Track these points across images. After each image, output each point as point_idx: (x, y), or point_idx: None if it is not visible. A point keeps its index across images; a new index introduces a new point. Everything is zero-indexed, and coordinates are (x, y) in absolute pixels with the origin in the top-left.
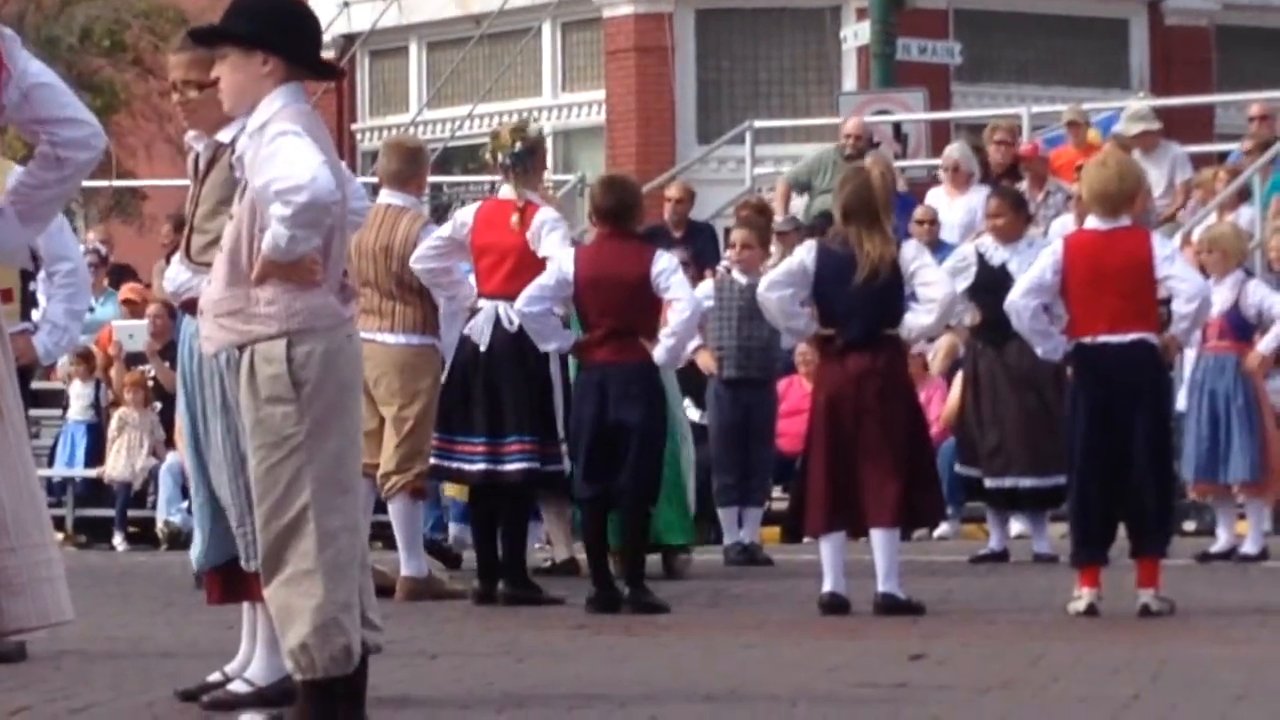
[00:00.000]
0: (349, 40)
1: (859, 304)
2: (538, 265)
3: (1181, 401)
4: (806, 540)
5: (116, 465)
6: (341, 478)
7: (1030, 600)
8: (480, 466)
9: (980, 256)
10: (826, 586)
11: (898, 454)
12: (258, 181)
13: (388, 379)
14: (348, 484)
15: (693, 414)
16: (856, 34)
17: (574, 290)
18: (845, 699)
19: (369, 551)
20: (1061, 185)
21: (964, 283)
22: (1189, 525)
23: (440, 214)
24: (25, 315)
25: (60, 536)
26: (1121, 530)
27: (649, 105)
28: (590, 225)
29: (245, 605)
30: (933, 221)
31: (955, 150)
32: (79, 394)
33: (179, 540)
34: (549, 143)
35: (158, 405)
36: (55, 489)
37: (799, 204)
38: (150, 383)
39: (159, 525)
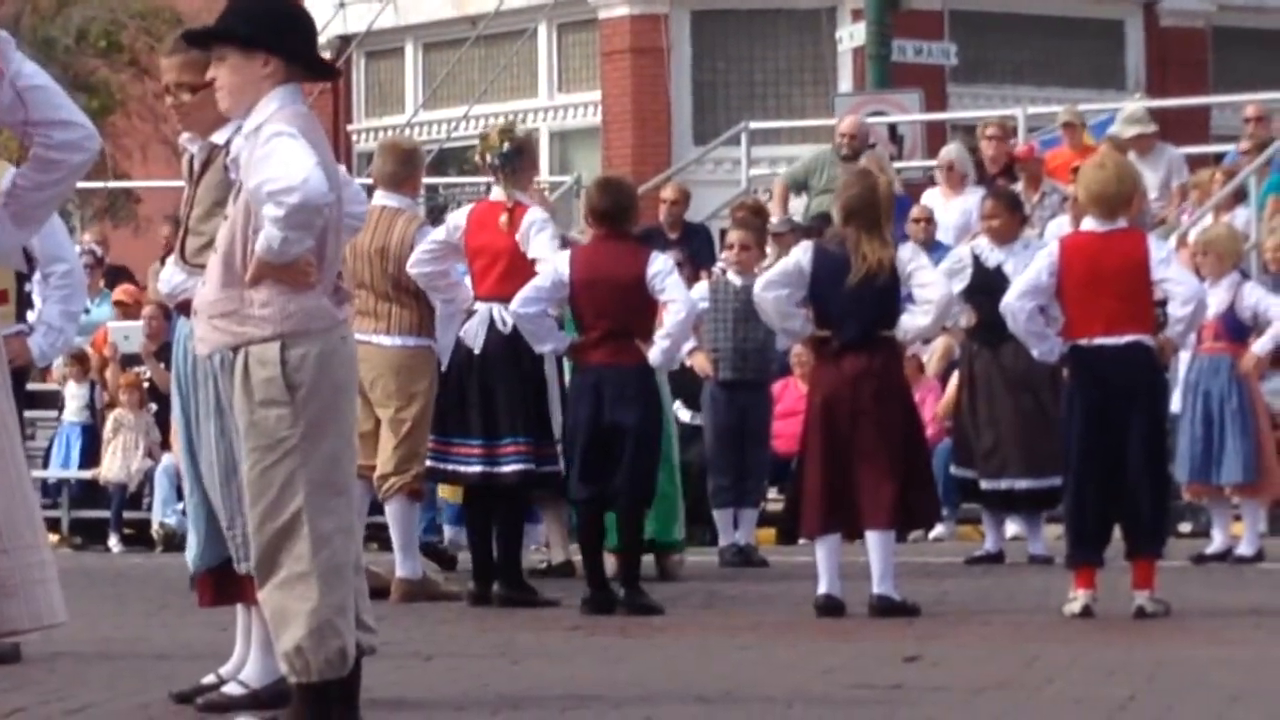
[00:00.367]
0: (345, 41)
1: (855, 305)
2: (530, 267)
3: (1176, 403)
4: (802, 542)
5: (112, 467)
6: (336, 480)
7: (1025, 602)
8: (476, 469)
9: (976, 258)
10: (821, 588)
11: (893, 456)
12: (251, 182)
13: (384, 381)
14: (342, 486)
15: (683, 415)
16: (852, 35)
17: (570, 292)
18: (840, 700)
19: (363, 553)
20: (1057, 186)
21: (959, 284)
22: (1184, 527)
23: (436, 215)
24: (20, 317)
25: (55, 538)
26: (1117, 532)
27: (645, 106)
28: (586, 226)
29: (239, 607)
30: (929, 219)
31: (950, 151)
32: (74, 395)
33: (174, 542)
34: (545, 144)
35: (153, 407)
36: (50, 490)
37: (797, 204)
38: (146, 384)
39: (154, 527)
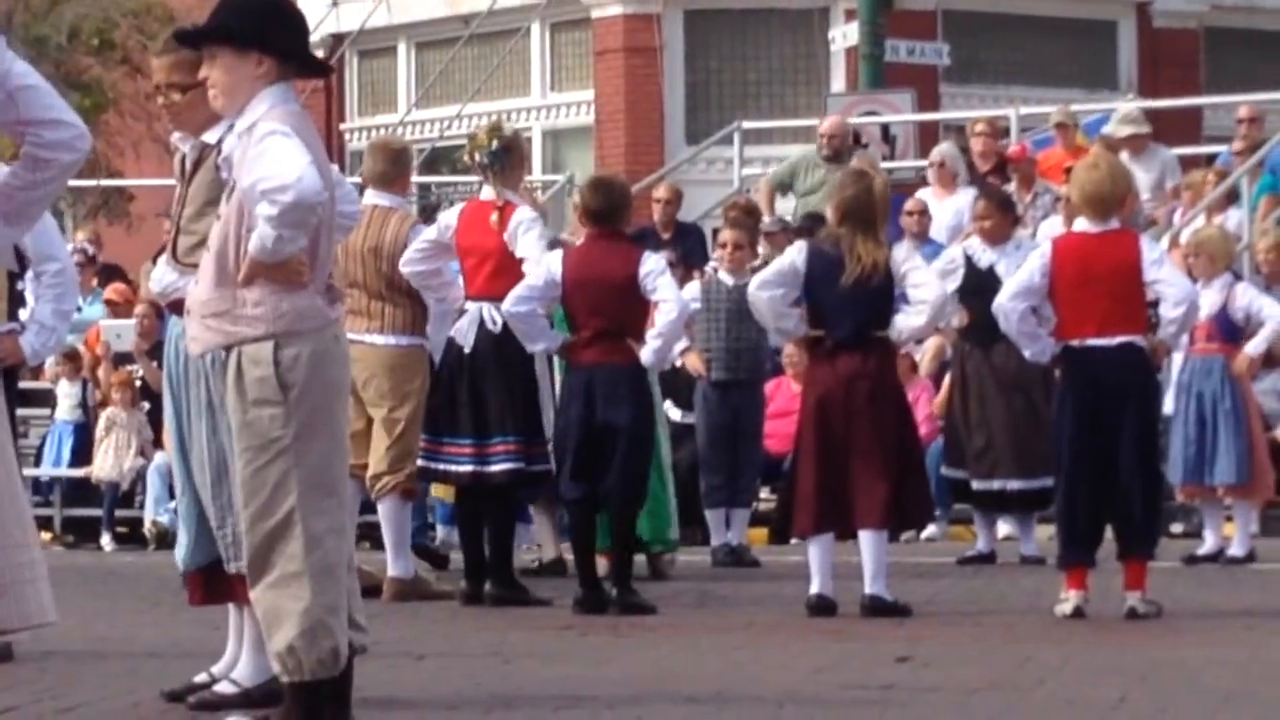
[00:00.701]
0: (338, 40)
1: (849, 305)
2: (520, 266)
3: (1169, 404)
4: (794, 541)
5: (104, 465)
6: (328, 480)
7: (1017, 602)
8: (467, 468)
9: (968, 258)
10: (814, 588)
11: (887, 456)
12: (245, 181)
13: (377, 380)
14: (334, 486)
15: (674, 414)
16: (845, 35)
17: (562, 291)
18: (832, 701)
19: (355, 552)
20: (1050, 187)
21: (952, 285)
22: (1176, 528)
23: (429, 215)
24: (13, 315)
25: (48, 536)
26: (1109, 533)
27: (637, 106)
28: (577, 227)
29: (231, 606)
30: (923, 212)
31: (942, 149)
32: (66, 393)
33: (167, 540)
34: (538, 143)
35: (145, 405)
36: (43, 489)
37: (784, 205)
38: (138, 382)
39: (147, 525)
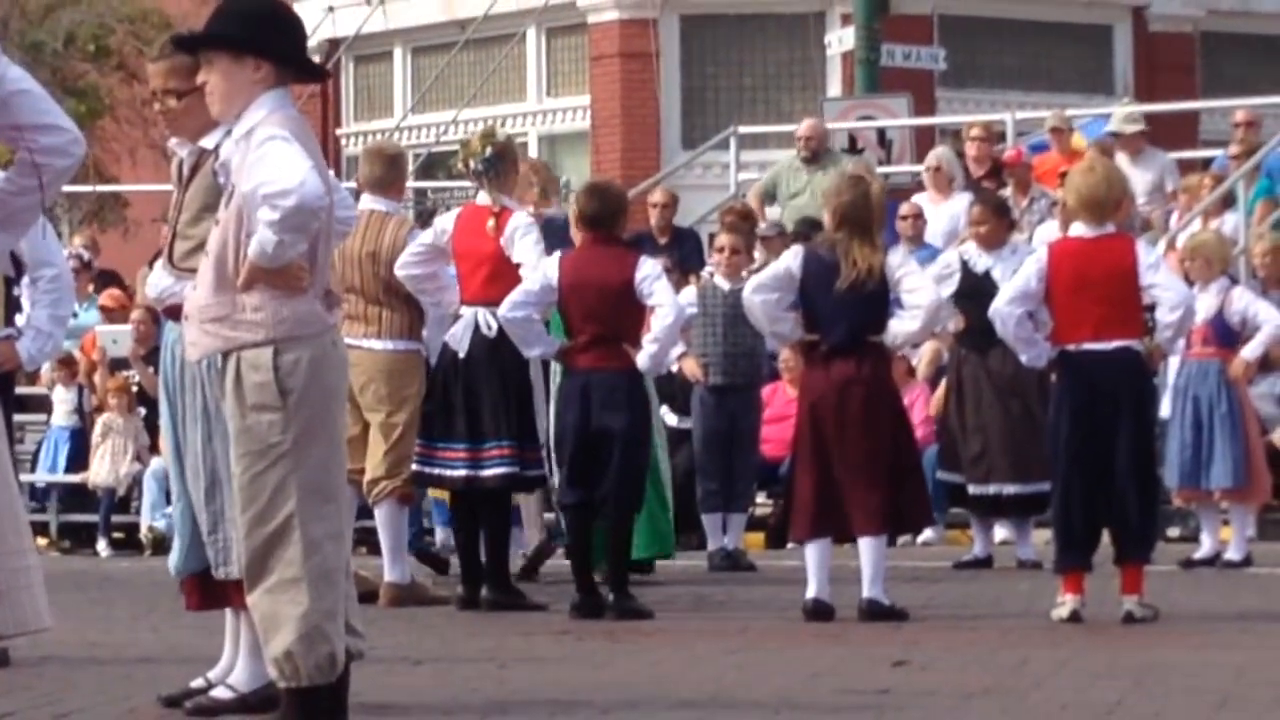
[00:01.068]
0: (334, 45)
1: (843, 310)
2: (515, 271)
3: (1165, 408)
4: (790, 546)
5: (100, 471)
6: (327, 485)
7: (1013, 606)
8: (461, 473)
9: (964, 263)
10: (811, 592)
11: (882, 461)
12: (246, 186)
13: (375, 385)
14: (333, 492)
15: (670, 420)
16: (841, 40)
17: (558, 296)
18: (828, 706)
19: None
20: (1045, 191)
21: (948, 289)
22: (1173, 531)
23: (425, 220)
24: (9, 320)
25: (44, 542)
26: (1105, 537)
27: (634, 111)
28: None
29: (228, 611)
30: (918, 216)
31: (937, 153)
32: (62, 399)
33: (163, 546)
34: (533, 148)
35: (142, 410)
36: (39, 495)
37: (773, 212)
38: (134, 388)
39: (143, 531)
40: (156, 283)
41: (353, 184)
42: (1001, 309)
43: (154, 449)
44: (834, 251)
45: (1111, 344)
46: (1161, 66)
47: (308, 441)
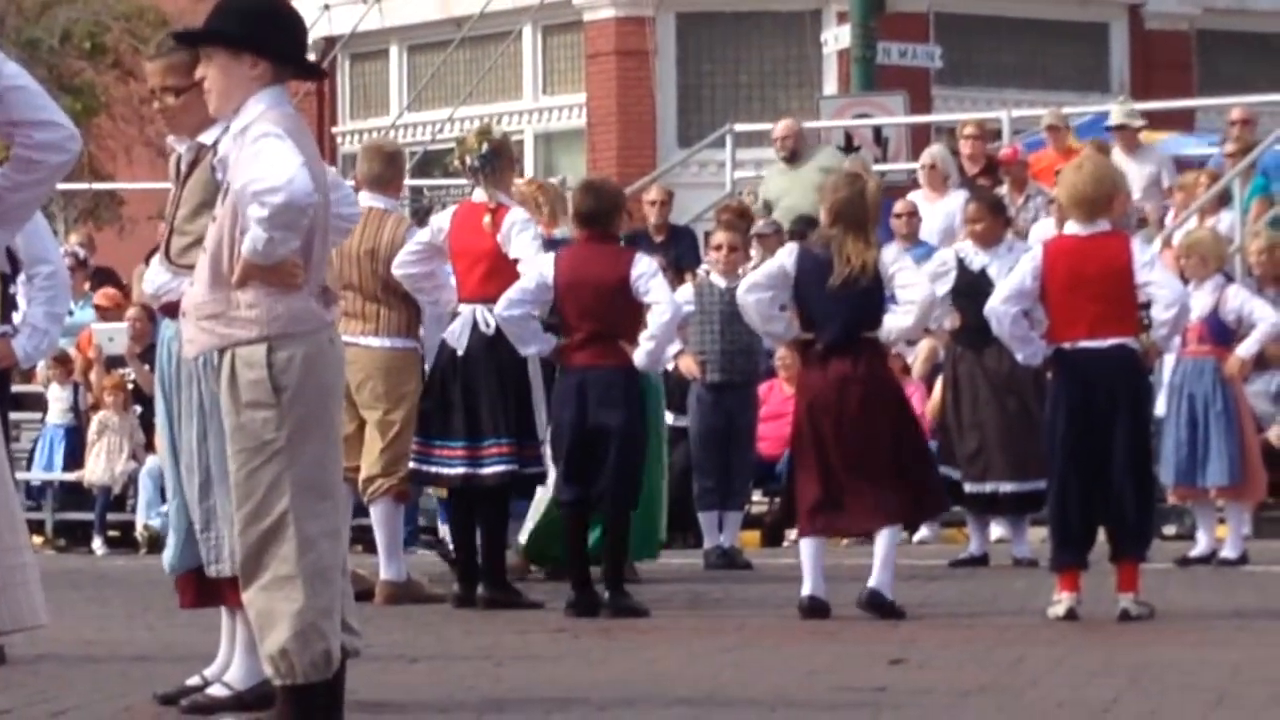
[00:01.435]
0: (330, 43)
1: (837, 307)
2: (512, 268)
3: (1161, 406)
4: (786, 544)
5: (96, 469)
6: (322, 483)
7: (1010, 604)
8: (459, 470)
9: (960, 261)
10: (806, 589)
11: (885, 455)
12: (238, 183)
13: (373, 383)
14: (329, 489)
15: (666, 417)
16: (837, 37)
17: (554, 294)
18: (824, 703)
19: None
20: (1041, 189)
21: (944, 287)
22: (1169, 529)
23: (422, 218)
24: (5, 318)
25: (39, 540)
26: (1101, 534)
27: (630, 109)
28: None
29: (223, 609)
30: (912, 214)
31: (933, 151)
32: (58, 397)
33: (159, 544)
34: (530, 146)
35: (138, 409)
36: (35, 493)
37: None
38: (130, 386)
39: (138, 529)
40: (153, 278)
41: (350, 181)
42: (996, 307)
43: (149, 447)
44: (828, 249)
45: (1107, 342)
46: (1158, 64)
47: (302, 438)
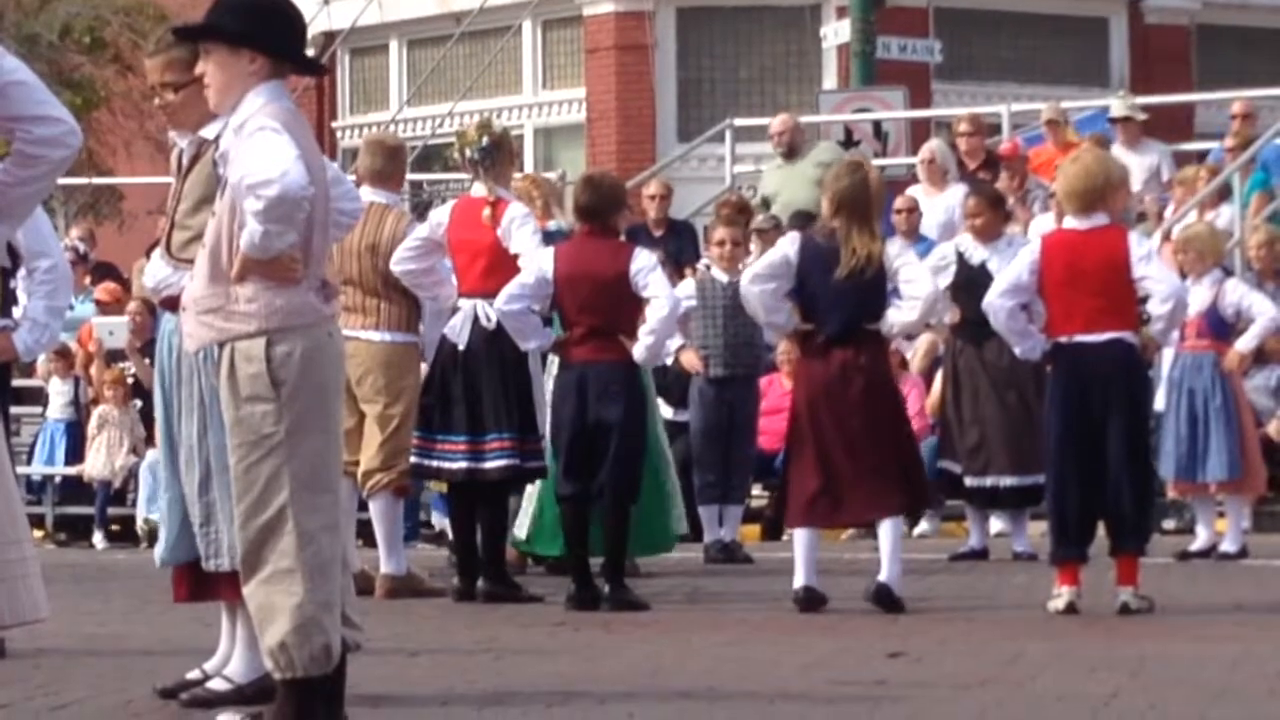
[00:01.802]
0: (329, 38)
1: (840, 298)
2: (513, 262)
3: (1160, 401)
4: (785, 538)
5: (96, 463)
6: (322, 477)
7: (1009, 598)
8: (461, 464)
9: (960, 255)
10: (799, 581)
11: (885, 446)
12: (234, 177)
13: (373, 377)
14: (328, 483)
15: (665, 413)
16: (836, 32)
17: (554, 288)
18: (823, 697)
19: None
20: (1041, 184)
21: (944, 281)
22: (1168, 523)
23: (421, 212)
24: (5, 312)
25: (40, 534)
26: (1101, 529)
27: (629, 103)
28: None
29: (224, 603)
30: (913, 209)
31: (932, 145)
32: (58, 391)
33: (159, 538)
34: (529, 141)
35: (138, 403)
36: (35, 487)
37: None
38: (130, 380)
39: (139, 523)
40: (154, 273)
41: (351, 176)
42: (994, 302)
43: (150, 441)
44: (832, 239)
45: (1105, 336)
46: (1157, 59)
47: (301, 433)
